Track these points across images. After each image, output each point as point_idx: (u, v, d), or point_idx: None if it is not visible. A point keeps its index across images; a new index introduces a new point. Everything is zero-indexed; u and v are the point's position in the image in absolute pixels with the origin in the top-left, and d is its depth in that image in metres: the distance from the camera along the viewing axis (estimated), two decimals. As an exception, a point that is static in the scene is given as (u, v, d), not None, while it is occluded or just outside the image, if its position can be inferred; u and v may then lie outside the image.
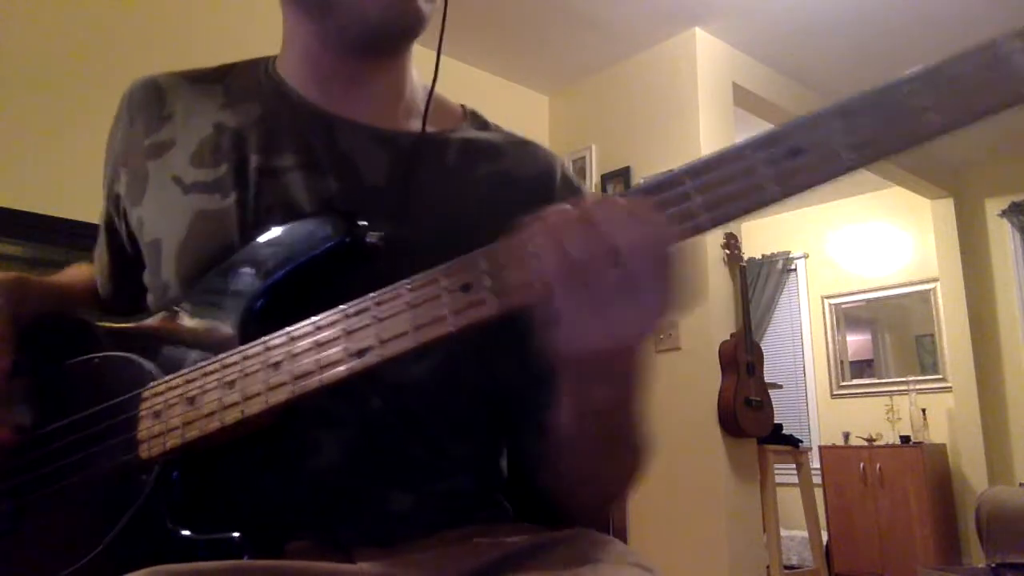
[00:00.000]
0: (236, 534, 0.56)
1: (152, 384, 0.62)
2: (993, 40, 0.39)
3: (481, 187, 0.73)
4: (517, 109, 3.96)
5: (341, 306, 0.54)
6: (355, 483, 0.63)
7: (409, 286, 0.52)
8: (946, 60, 0.40)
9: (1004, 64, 0.38)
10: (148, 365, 0.64)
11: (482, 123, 0.80)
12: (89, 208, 2.20)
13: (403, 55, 0.74)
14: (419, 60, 0.77)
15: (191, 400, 0.58)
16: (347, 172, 0.68)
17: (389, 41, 0.71)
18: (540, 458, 0.68)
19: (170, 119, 0.73)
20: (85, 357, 0.69)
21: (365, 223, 0.60)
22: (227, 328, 0.62)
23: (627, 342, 0.50)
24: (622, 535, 3.11)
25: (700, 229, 0.46)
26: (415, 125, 0.74)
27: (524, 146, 0.78)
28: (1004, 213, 4.95)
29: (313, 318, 0.55)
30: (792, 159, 0.43)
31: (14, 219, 2.28)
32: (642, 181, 0.49)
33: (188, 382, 0.59)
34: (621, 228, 0.46)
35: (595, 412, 0.58)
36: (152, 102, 0.74)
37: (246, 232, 0.65)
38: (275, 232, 0.63)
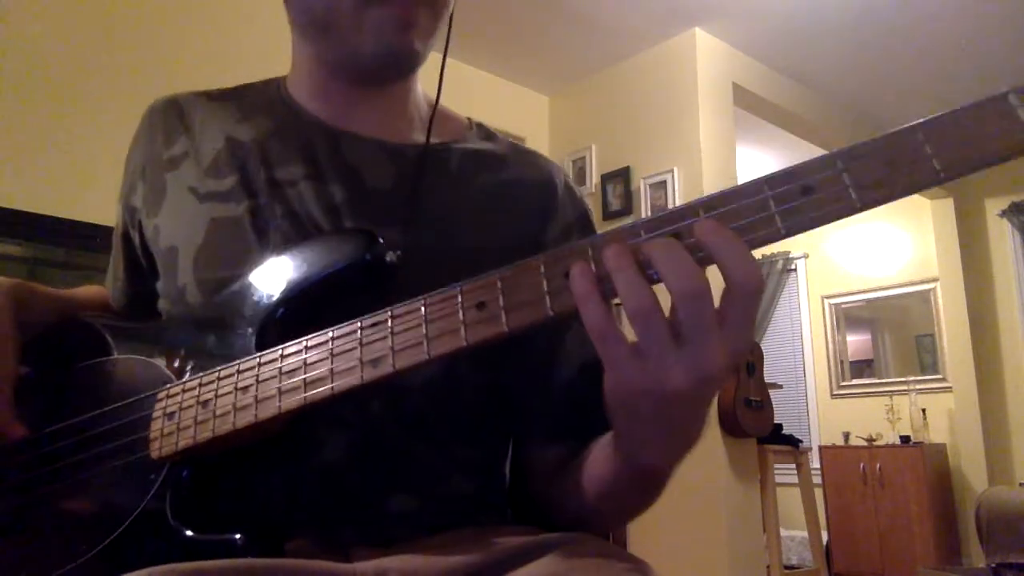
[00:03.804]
0: (237, 535, 0.57)
1: (168, 386, 0.63)
2: (1004, 94, 0.42)
3: (483, 195, 0.75)
4: (517, 109, 3.96)
5: (357, 318, 0.55)
6: (357, 484, 0.63)
7: (424, 301, 0.53)
8: (954, 111, 0.43)
9: (1011, 117, 0.42)
10: (165, 368, 0.65)
11: (487, 134, 0.82)
12: (89, 208, 2.22)
13: (405, 80, 0.77)
14: (425, 64, 0.77)
15: (205, 403, 0.59)
16: (352, 181, 0.71)
17: (383, 77, 0.73)
18: (546, 486, 0.69)
19: (187, 133, 0.76)
20: (105, 358, 0.71)
21: (383, 241, 0.62)
22: (246, 335, 0.63)
23: (690, 388, 0.45)
24: (622, 535, 3.11)
25: (710, 262, 0.46)
26: (420, 138, 0.77)
27: (526, 155, 0.80)
28: (1004, 213, 4.96)
29: (329, 329, 0.56)
30: (803, 197, 0.45)
31: (14, 219, 2.28)
32: (646, 217, 0.48)
33: (203, 385, 0.60)
34: (676, 276, 0.44)
35: (642, 470, 0.57)
36: (171, 118, 0.77)
37: (262, 237, 0.67)
38: (298, 247, 0.65)
